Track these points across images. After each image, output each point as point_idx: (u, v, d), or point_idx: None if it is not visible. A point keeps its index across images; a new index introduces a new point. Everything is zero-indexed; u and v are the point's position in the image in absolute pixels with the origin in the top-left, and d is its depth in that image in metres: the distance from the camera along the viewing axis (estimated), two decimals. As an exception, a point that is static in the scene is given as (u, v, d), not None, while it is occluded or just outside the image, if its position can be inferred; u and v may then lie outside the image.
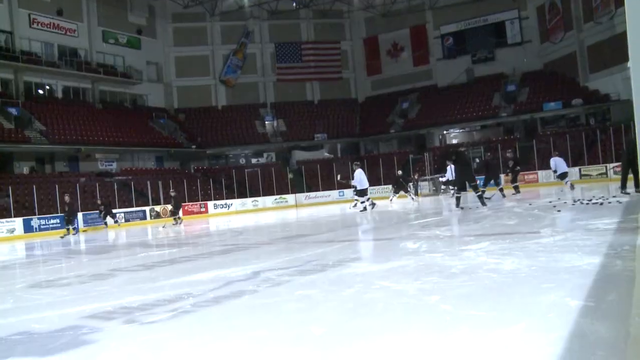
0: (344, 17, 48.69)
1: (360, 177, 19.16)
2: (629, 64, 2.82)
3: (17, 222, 24.06)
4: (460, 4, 43.06)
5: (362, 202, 19.25)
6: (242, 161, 43.78)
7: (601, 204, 10.74)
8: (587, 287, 3.58)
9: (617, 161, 28.25)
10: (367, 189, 19.42)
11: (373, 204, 19.29)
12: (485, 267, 4.71)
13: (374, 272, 5.18)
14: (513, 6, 42.04)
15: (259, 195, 35.32)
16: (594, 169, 29.43)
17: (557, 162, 19.62)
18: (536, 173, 31.41)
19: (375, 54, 48.46)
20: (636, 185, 12.91)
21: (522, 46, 42.19)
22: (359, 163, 21.60)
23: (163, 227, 21.53)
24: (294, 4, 45.32)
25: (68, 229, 21.42)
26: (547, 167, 31.55)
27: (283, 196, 35.35)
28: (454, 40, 44.98)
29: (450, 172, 19.44)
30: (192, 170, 40.17)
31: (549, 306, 3.24)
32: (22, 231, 23.79)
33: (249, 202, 33.68)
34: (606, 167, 28.82)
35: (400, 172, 25.05)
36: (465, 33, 44.45)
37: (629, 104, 4.50)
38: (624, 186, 13.12)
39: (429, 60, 46.31)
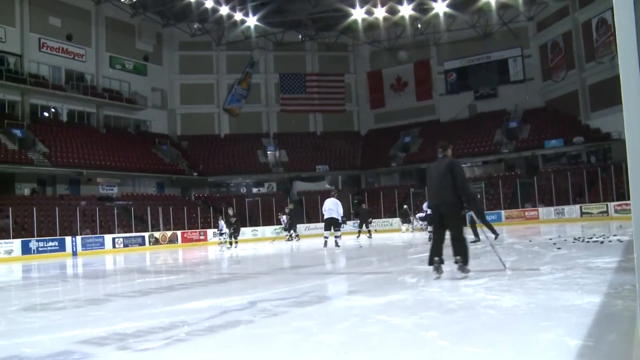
0: (348, 50, 49.33)
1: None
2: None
3: (15, 244, 23.95)
4: (464, 41, 43.58)
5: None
6: (243, 190, 43.74)
7: (602, 242, 10.70)
8: (587, 326, 3.54)
9: (617, 200, 28.33)
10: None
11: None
12: (483, 304, 4.66)
13: (370, 305, 5.13)
14: (516, 44, 42.60)
15: (259, 225, 35.24)
16: (594, 207, 29.40)
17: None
18: (537, 210, 31.39)
19: (378, 88, 48.86)
20: (477, 235, 12.94)
21: (525, 84, 42.56)
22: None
23: None
24: (300, 36, 45.95)
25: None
26: (549, 204, 31.71)
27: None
28: (457, 76, 45.40)
29: (283, 221, 26.54)
30: (193, 198, 40.12)
31: (547, 345, 3.19)
32: (20, 253, 23.67)
33: (248, 231, 33.41)
34: (607, 205, 28.80)
35: (405, 206, 26.57)
36: (469, 69, 44.90)
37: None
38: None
39: (432, 95, 46.69)
